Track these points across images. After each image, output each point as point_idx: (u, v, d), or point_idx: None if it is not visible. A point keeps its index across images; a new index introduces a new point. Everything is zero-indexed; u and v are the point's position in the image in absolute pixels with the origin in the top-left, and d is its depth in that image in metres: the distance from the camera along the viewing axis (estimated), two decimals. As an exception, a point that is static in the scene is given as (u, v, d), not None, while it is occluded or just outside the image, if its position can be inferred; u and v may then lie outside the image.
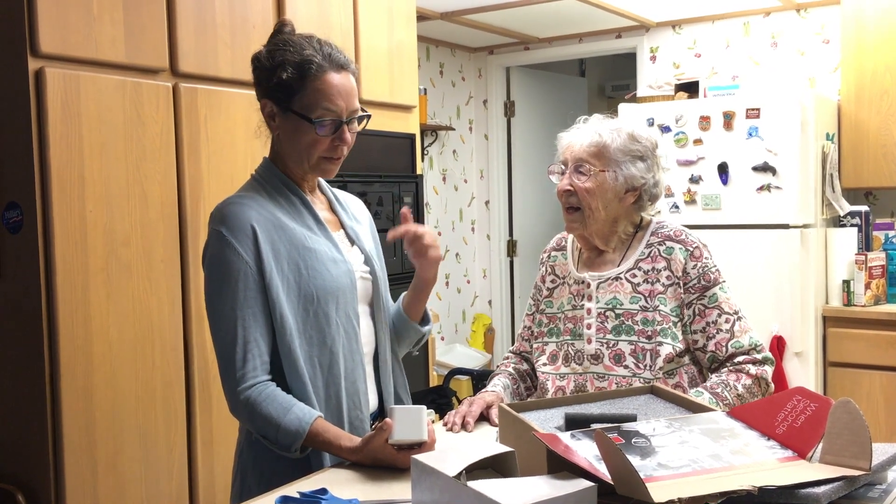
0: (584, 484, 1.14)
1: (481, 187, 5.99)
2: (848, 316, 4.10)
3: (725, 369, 1.91)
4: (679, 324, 1.93)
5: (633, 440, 1.31)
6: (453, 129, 5.61)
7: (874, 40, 4.19)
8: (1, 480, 2.36)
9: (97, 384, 2.37)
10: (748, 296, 3.96)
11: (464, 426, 1.87)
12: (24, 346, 2.30)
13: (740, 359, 1.91)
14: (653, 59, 5.23)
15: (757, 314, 3.92)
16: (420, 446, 1.55)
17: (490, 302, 6.03)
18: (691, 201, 4.30)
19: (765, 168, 4.09)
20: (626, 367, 1.90)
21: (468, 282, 5.92)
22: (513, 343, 2.22)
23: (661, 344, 1.89)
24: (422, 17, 4.53)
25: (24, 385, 2.31)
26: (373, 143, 3.39)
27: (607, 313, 1.95)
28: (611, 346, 1.92)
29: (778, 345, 4.04)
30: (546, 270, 2.13)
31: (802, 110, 4.02)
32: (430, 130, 5.37)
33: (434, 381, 4.51)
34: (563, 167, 2.01)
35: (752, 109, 4.13)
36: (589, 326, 1.96)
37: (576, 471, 1.19)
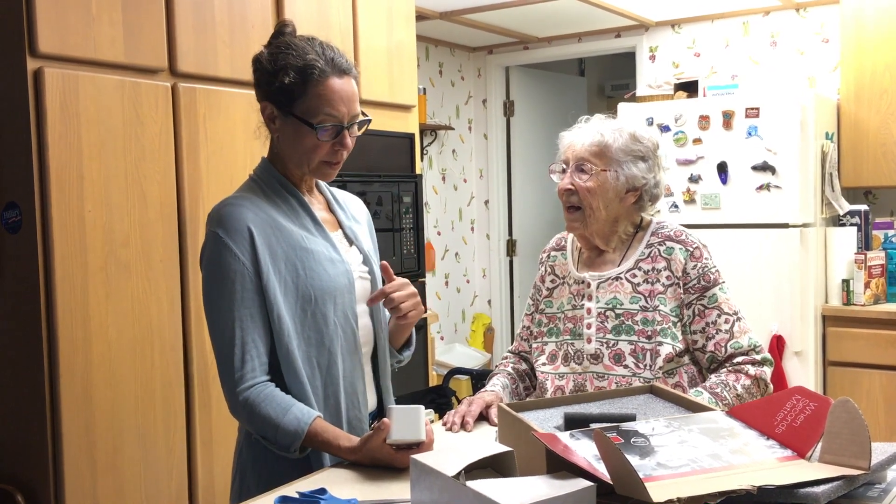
0: (584, 484, 1.14)
1: (481, 187, 5.99)
2: (847, 315, 4.10)
3: (724, 369, 1.91)
4: (679, 324, 1.93)
5: (633, 440, 1.31)
6: (453, 129, 5.61)
7: (873, 39, 4.19)
8: (0, 480, 2.36)
9: (96, 384, 2.37)
10: (748, 295, 3.96)
11: (463, 426, 1.87)
12: (23, 347, 2.30)
13: (739, 359, 1.91)
14: (652, 58, 5.22)
15: (756, 313, 3.93)
16: (418, 446, 1.55)
17: (489, 301, 6.03)
18: (691, 201, 4.30)
19: (764, 167, 4.09)
20: (626, 366, 1.90)
21: (468, 281, 5.92)
22: (512, 343, 2.22)
23: (660, 344, 1.89)
24: (421, 16, 4.53)
25: (23, 385, 2.31)
26: (372, 143, 3.39)
27: (607, 313, 1.95)
28: (611, 345, 1.92)
29: (777, 344, 4.04)
30: (545, 270, 2.13)
31: (802, 110, 4.02)
32: (429, 130, 5.37)
33: (433, 380, 4.50)
34: (564, 166, 2.01)
35: (752, 109, 4.13)
36: (589, 326, 1.95)
37: (575, 470, 1.19)
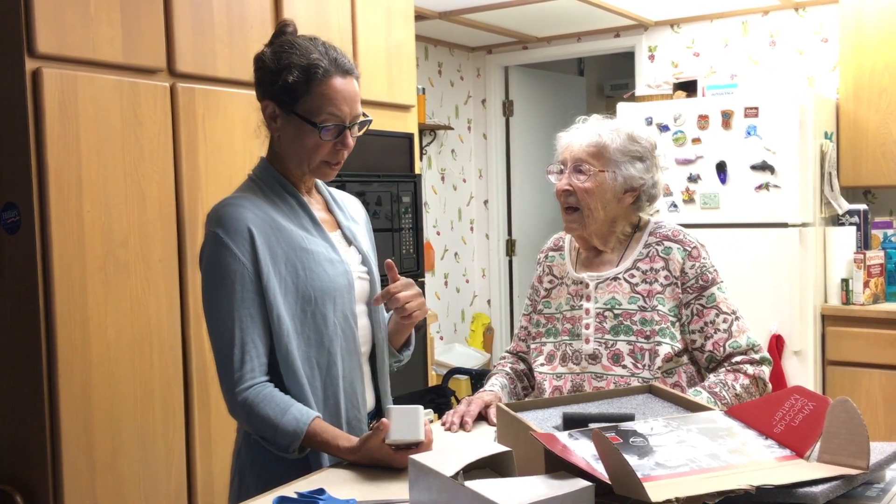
0: (582, 484, 1.14)
1: (480, 187, 5.99)
2: (847, 315, 4.10)
3: (723, 369, 1.91)
4: (677, 324, 1.93)
5: (631, 439, 1.31)
6: (452, 129, 5.60)
7: (873, 39, 4.19)
8: (-1, 481, 2.36)
9: (95, 384, 2.37)
10: (747, 295, 3.96)
11: (462, 426, 1.87)
12: (22, 347, 2.30)
13: (738, 359, 1.91)
14: (651, 58, 5.22)
15: (756, 313, 3.93)
16: (417, 446, 1.55)
17: (489, 301, 6.02)
18: (690, 200, 4.30)
19: (763, 167, 4.09)
20: (625, 366, 1.90)
21: (467, 281, 5.92)
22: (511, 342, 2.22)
23: (659, 344, 1.89)
24: (420, 16, 4.53)
25: (22, 385, 2.31)
26: (371, 143, 3.39)
27: (606, 313, 1.95)
28: (609, 346, 1.92)
29: (777, 343, 4.04)
30: (543, 271, 2.13)
31: (801, 109, 4.02)
32: (428, 130, 5.37)
33: (433, 380, 4.50)
34: (561, 167, 2.01)
35: (751, 108, 4.13)
36: (587, 326, 1.95)
37: (573, 470, 1.19)
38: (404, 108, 3.61)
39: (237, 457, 1.76)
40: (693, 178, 4.28)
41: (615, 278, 1.97)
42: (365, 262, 1.83)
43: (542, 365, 2.01)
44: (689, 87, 4.61)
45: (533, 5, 4.58)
